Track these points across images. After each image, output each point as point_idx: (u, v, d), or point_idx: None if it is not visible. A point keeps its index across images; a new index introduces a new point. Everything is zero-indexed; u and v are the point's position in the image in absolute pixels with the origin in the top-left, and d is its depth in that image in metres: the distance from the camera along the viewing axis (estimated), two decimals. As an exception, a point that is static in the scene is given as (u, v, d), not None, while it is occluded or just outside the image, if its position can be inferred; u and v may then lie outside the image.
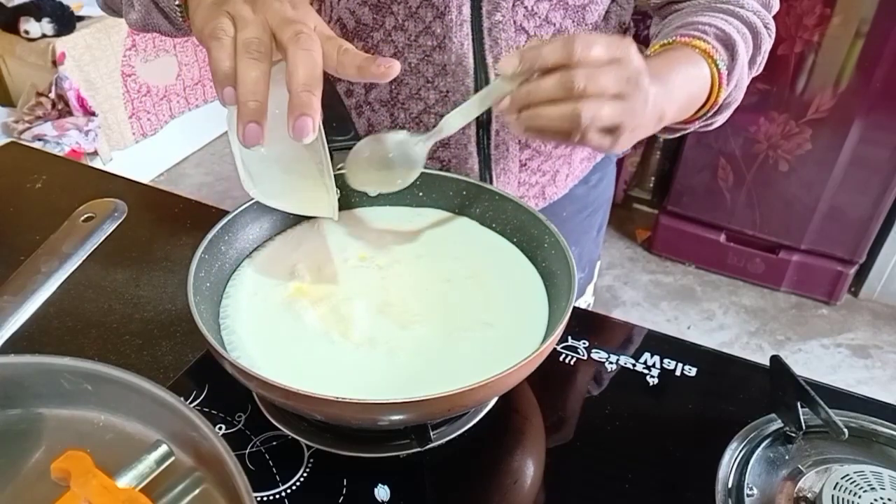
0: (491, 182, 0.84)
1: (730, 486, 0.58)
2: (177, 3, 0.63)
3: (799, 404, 0.60)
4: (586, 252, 1.02)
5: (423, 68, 0.76)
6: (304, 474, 0.59)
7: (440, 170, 0.80)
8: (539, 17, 0.74)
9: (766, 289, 2.31)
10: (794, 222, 2.16)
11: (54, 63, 2.32)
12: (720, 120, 0.76)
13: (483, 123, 0.79)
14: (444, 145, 0.81)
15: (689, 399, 0.68)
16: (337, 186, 0.74)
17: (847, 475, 0.55)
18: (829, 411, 0.58)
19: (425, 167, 0.76)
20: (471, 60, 0.75)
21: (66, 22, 2.35)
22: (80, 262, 0.56)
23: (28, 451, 0.49)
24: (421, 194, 0.75)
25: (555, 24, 0.76)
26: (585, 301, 1.06)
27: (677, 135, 0.77)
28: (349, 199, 0.75)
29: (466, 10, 0.72)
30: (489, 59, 0.75)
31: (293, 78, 0.49)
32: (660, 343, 0.74)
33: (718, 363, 0.73)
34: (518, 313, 0.64)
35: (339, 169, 0.73)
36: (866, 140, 1.95)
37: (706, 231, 2.31)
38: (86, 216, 0.59)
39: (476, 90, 0.76)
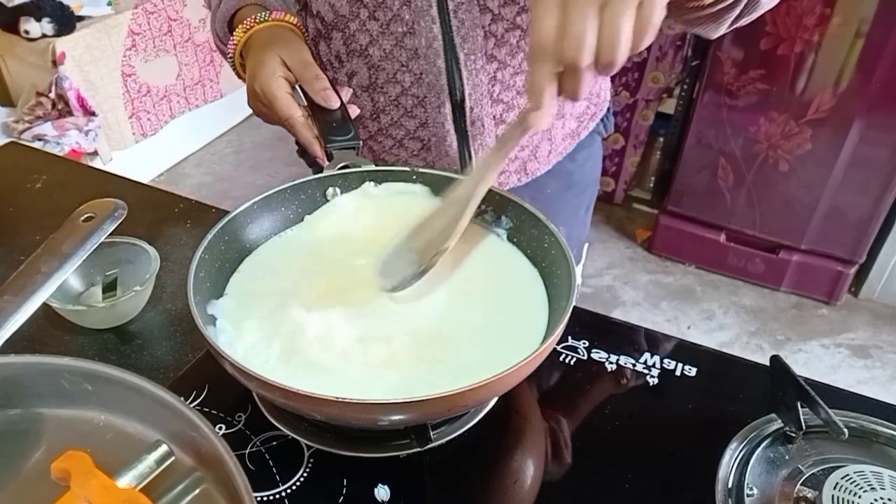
0: (471, 158, 0.87)
1: (730, 486, 0.58)
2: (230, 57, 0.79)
3: (799, 404, 0.60)
4: (575, 232, 1.04)
5: (397, 53, 0.79)
6: (304, 474, 0.59)
7: (421, 149, 0.84)
8: None
9: (766, 289, 2.31)
10: (794, 222, 2.16)
11: (54, 63, 2.32)
12: (747, 14, 0.67)
13: (457, 102, 0.82)
14: (422, 125, 0.84)
15: (689, 399, 0.68)
16: (336, 186, 0.74)
17: (847, 475, 0.55)
18: (829, 411, 0.58)
19: (422, 166, 0.77)
20: (440, 42, 0.78)
21: (66, 22, 2.34)
22: (80, 262, 0.56)
23: (28, 451, 0.49)
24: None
25: (518, 3, 0.78)
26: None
27: (693, 20, 0.67)
28: (348, 192, 0.75)
29: None
30: (457, 40, 0.78)
31: None
32: (660, 343, 0.74)
33: (718, 363, 0.73)
34: (518, 313, 0.64)
35: (340, 168, 0.73)
36: (866, 140, 1.95)
37: (706, 231, 2.31)
38: (86, 216, 0.58)
39: (447, 70, 0.80)
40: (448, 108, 0.83)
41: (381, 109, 0.85)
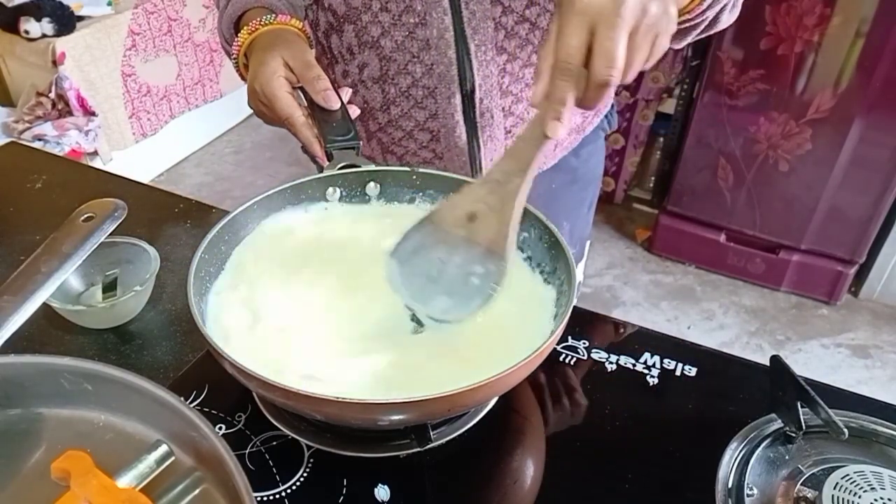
0: (479, 149, 0.87)
1: (730, 486, 0.58)
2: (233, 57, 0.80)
3: (799, 404, 0.60)
4: (578, 228, 1.05)
5: (409, 44, 0.80)
6: (304, 474, 0.59)
7: (431, 140, 0.86)
8: None
9: (766, 289, 2.31)
10: (794, 222, 2.16)
11: (54, 63, 2.31)
12: (708, 31, 0.72)
13: (467, 93, 0.83)
14: (432, 116, 0.85)
15: (689, 399, 0.68)
16: (338, 186, 0.74)
17: (847, 475, 0.55)
18: (829, 411, 0.58)
19: (418, 166, 0.77)
20: (452, 33, 0.79)
21: (66, 22, 2.34)
22: (80, 262, 0.56)
23: (28, 451, 0.49)
24: (418, 191, 0.75)
25: None
26: (577, 279, 1.09)
27: (686, 35, 0.71)
28: (352, 194, 0.75)
29: None
30: (468, 31, 0.79)
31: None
32: (660, 343, 0.74)
33: (718, 363, 0.73)
34: (518, 313, 0.64)
35: (340, 168, 0.73)
36: (866, 140, 1.95)
37: (706, 231, 2.31)
38: (86, 216, 0.59)
39: (458, 61, 0.81)
40: (458, 99, 0.84)
41: (392, 101, 0.86)
